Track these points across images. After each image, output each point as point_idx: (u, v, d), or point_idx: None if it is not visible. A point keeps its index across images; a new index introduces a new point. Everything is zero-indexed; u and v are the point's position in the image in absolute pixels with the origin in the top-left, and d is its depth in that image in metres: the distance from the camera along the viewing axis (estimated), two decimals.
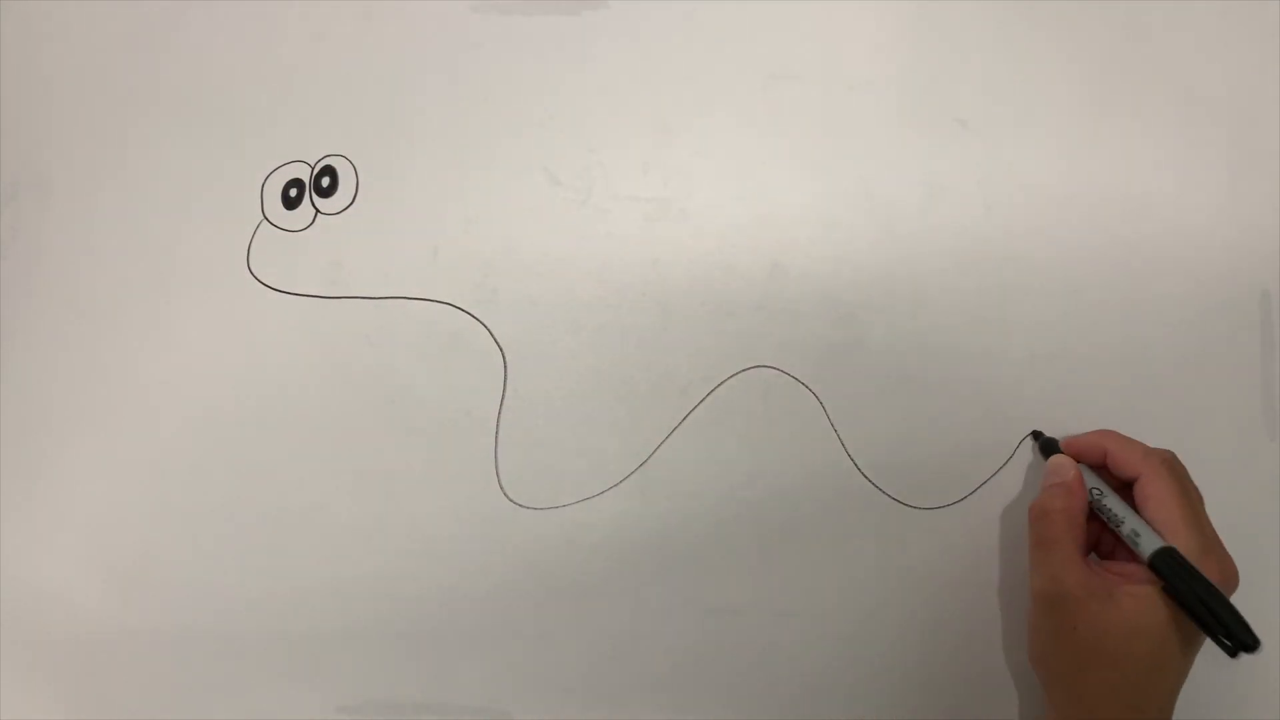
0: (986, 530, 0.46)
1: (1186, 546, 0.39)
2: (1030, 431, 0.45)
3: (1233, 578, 0.40)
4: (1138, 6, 0.47)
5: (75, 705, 0.46)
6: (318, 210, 0.47)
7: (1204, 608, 0.37)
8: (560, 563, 0.45)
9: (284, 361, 0.46)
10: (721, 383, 0.46)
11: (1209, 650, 0.43)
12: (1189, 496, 0.41)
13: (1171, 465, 0.41)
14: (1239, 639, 0.36)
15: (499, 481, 0.46)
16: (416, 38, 0.47)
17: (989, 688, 0.46)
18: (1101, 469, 0.43)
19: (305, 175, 0.47)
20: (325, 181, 0.47)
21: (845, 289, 0.46)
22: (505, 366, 0.46)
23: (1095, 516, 0.42)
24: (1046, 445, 0.45)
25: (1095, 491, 0.42)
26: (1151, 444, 0.43)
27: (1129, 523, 0.40)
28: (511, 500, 0.45)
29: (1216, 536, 0.40)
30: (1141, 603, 0.39)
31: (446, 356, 0.46)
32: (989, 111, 0.47)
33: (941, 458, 0.45)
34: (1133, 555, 0.41)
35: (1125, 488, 0.42)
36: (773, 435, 0.46)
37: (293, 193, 0.47)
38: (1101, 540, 0.44)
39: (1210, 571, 0.38)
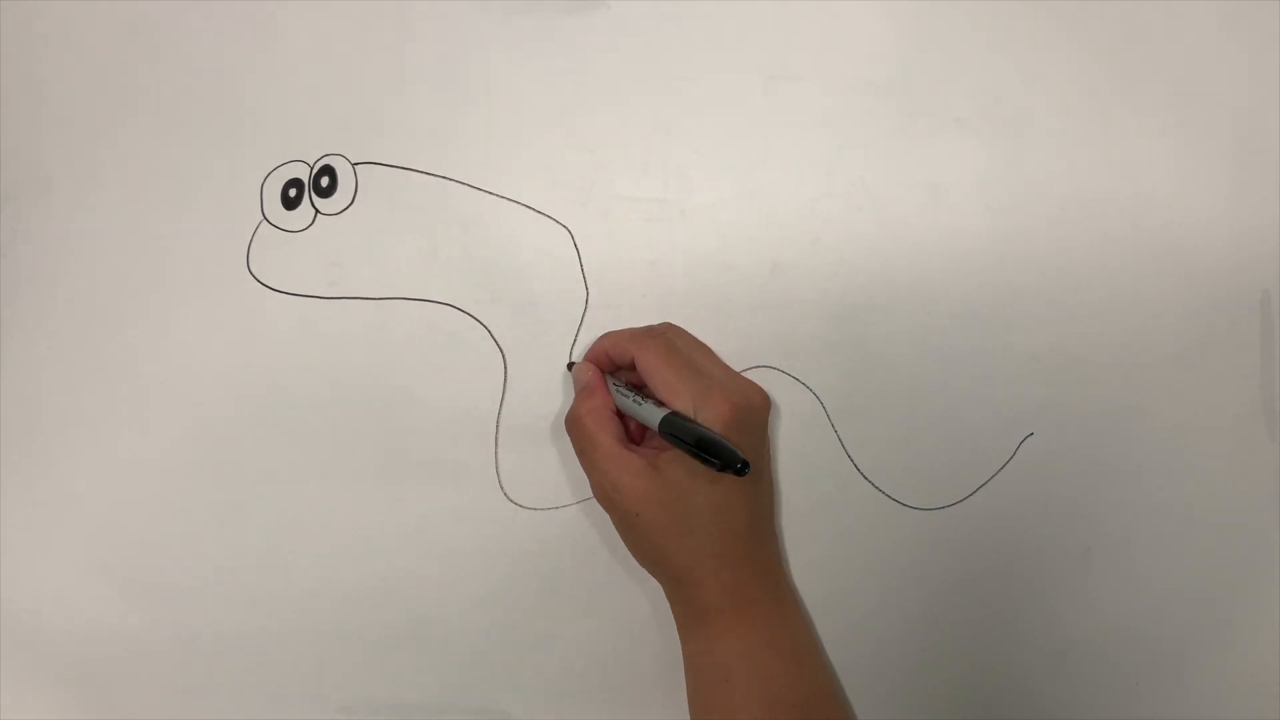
0: (986, 530, 0.46)
1: (686, 400, 0.40)
2: (568, 364, 0.46)
3: (745, 401, 0.41)
4: (1138, 6, 0.47)
5: (75, 706, 0.46)
6: (317, 210, 0.47)
7: (699, 452, 0.38)
8: (560, 563, 0.45)
9: (284, 362, 0.46)
10: None
11: (1208, 651, 0.43)
12: (676, 354, 0.42)
13: (655, 334, 0.43)
14: (732, 464, 0.37)
15: (499, 481, 0.46)
16: (416, 38, 0.47)
17: (989, 687, 0.46)
18: (628, 370, 0.44)
19: (305, 175, 0.47)
20: (325, 181, 0.47)
21: (845, 289, 0.46)
22: (505, 366, 0.46)
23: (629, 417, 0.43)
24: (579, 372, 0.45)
25: (616, 391, 0.43)
26: (1152, 443, 0.44)
27: (645, 405, 0.41)
28: (511, 500, 0.45)
29: (718, 376, 0.42)
30: (676, 464, 0.40)
31: (446, 356, 0.46)
32: (989, 111, 0.47)
33: (941, 458, 0.46)
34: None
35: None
36: (772, 435, 0.46)
37: (292, 193, 0.47)
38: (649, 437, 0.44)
39: (717, 408, 0.40)
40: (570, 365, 0.46)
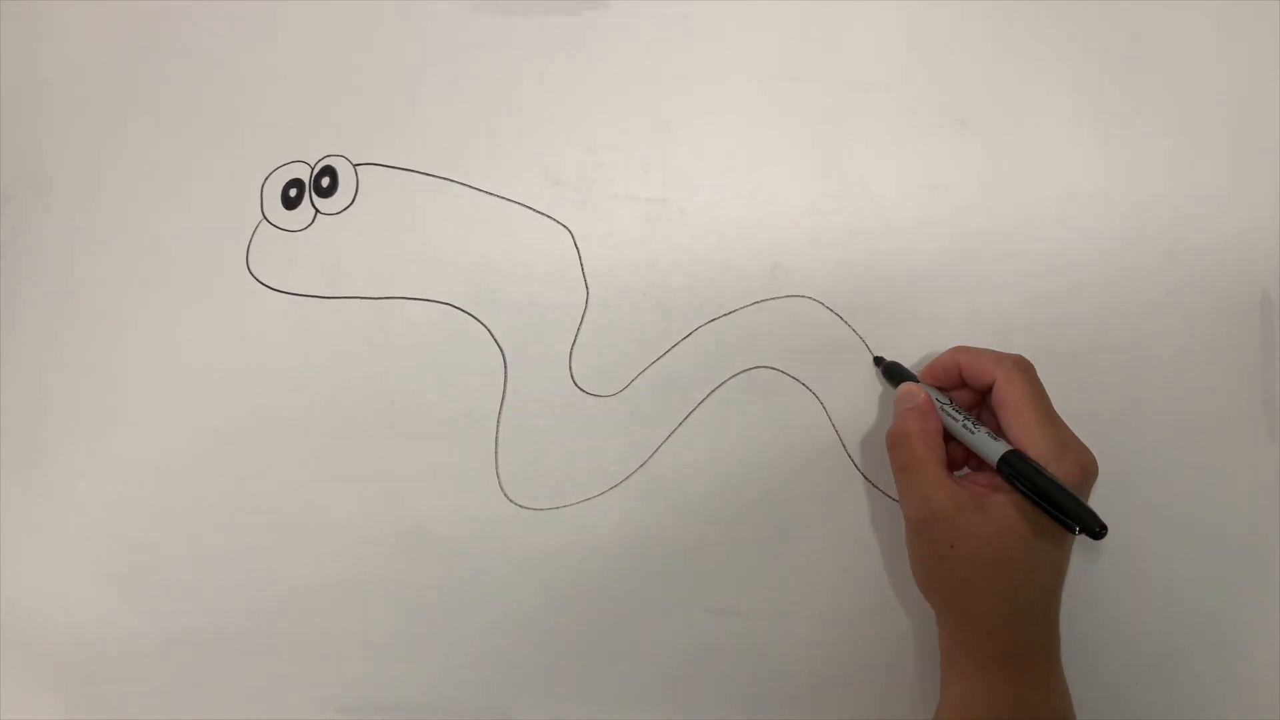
0: None
1: (1042, 447, 0.39)
2: (874, 358, 0.45)
3: (1091, 469, 0.40)
4: (1138, 7, 0.47)
5: (75, 706, 0.46)
6: (317, 210, 0.47)
7: (1049, 502, 0.37)
8: (560, 563, 0.45)
9: (284, 362, 0.46)
10: (722, 383, 0.46)
11: (1208, 651, 0.43)
12: (1040, 397, 0.41)
13: (1023, 367, 0.41)
14: (1086, 526, 0.36)
15: (499, 481, 0.46)
16: (416, 38, 0.47)
17: None
18: (957, 389, 0.43)
19: (305, 175, 0.47)
20: (325, 181, 0.47)
21: (845, 289, 0.46)
22: (505, 366, 0.46)
23: (955, 438, 0.42)
24: (890, 370, 0.45)
25: (946, 411, 0.42)
26: (1153, 442, 0.43)
27: (979, 433, 0.41)
28: (512, 500, 0.45)
29: (1070, 432, 0.41)
30: (1008, 508, 0.39)
31: (446, 356, 0.46)
32: (989, 111, 0.47)
33: None
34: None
35: (981, 401, 0.43)
36: (773, 435, 0.46)
37: (293, 193, 0.47)
38: (969, 460, 0.44)
39: (1069, 467, 0.39)
40: (878, 360, 0.45)
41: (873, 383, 0.46)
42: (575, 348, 0.46)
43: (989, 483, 0.41)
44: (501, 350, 0.46)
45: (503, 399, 0.46)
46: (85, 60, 0.48)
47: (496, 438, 0.45)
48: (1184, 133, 0.47)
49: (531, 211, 0.46)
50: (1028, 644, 0.40)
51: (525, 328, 0.46)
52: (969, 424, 0.41)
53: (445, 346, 0.46)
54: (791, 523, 0.45)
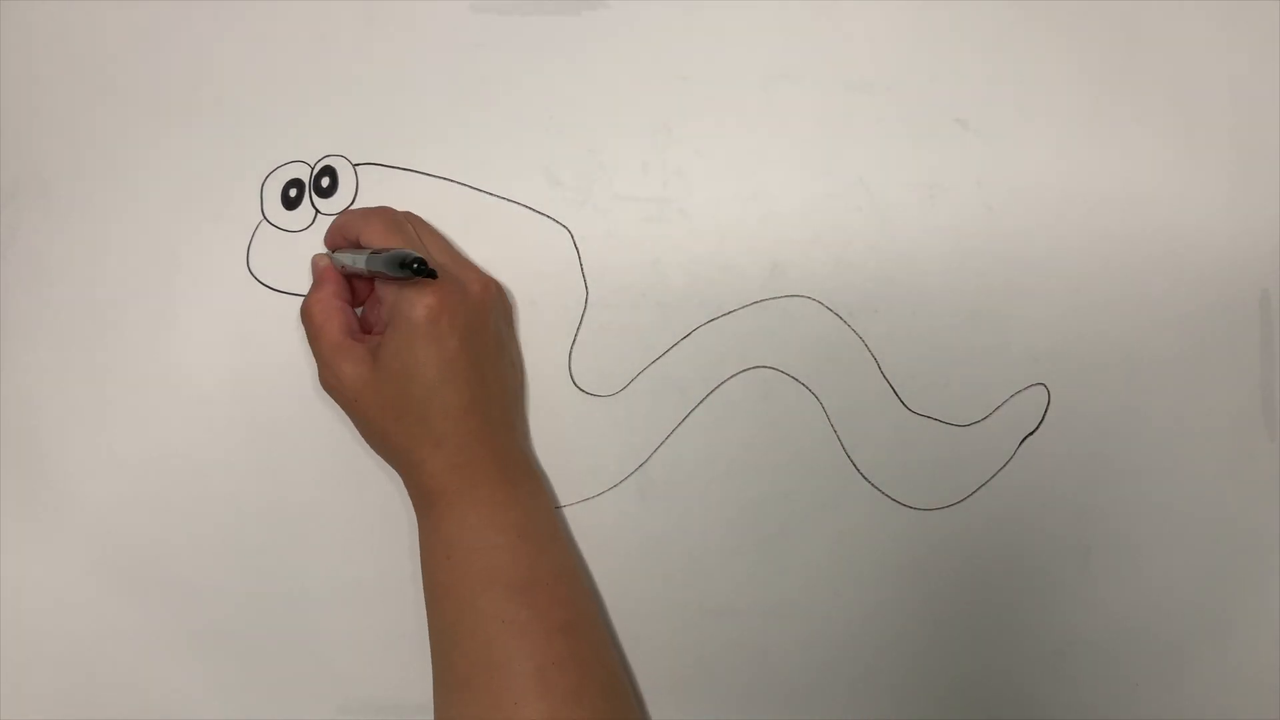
0: (986, 531, 0.46)
1: (397, 244, 0.41)
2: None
3: (471, 287, 0.41)
4: (1138, 7, 0.47)
5: (75, 705, 0.46)
6: (317, 210, 0.47)
7: (398, 267, 0.37)
8: None
9: (283, 361, 0.46)
10: (722, 383, 0.46)
11: (1208, 651, 0.43)
12: (404, 228, 0.42)
13: (383, 209, 0.43)
14: (419, 269, 0.37)
15: None
16: (416, 38, 0.47)
17: (989, 687, 0.46)
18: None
19: (305, 175, 0.47)
20: (325, 181, 0.47)
21: (845, 289, 0.46)
22: None
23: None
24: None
25: (341, 265, 0.43)
26: (1152, 443, 0.43)
27: (358, 257, 0.41)
28: None
29: (448, 259, 0.43)
30: (391, 348, 0.40)
31: None
32: (989, 111, 0.47)
33: (941, 458, 0.45)
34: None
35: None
36: (773, 435, 0.46)
37: (293, 193, 0.47)
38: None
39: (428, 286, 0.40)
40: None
41: (873, 383, 0.46)
42: (575, 347, 0.46)
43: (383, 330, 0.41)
44: None
45: None
46: (86, 60, 0.48)
47: None
48: (1183, 133, 0.47)
49: (531, 211, 0.46)
50: (463, 469, 0.40)
51: (525, 328, 0.46)
52: (358, 264, 0.41)
53: None
54: (791, 523, 0.45)
